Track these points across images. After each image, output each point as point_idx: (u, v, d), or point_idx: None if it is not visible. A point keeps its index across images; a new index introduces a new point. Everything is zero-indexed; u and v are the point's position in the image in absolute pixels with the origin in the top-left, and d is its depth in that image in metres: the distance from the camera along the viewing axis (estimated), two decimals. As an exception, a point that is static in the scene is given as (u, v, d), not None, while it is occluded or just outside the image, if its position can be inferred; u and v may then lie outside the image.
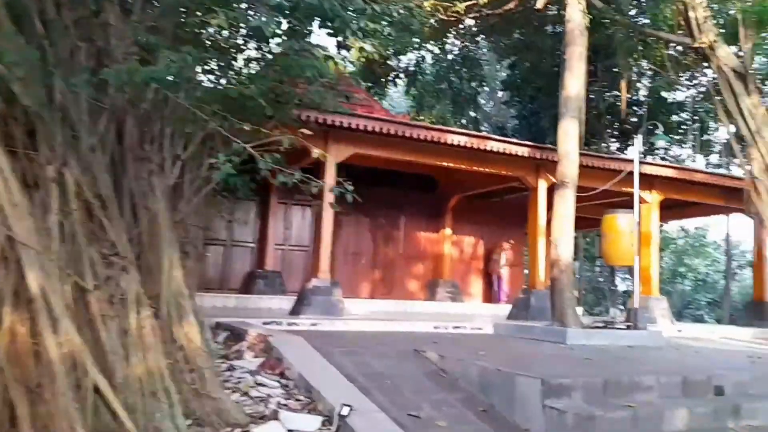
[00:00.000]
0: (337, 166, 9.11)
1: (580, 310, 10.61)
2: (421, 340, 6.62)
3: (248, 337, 5.39)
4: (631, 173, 8.99)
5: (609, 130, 20.49)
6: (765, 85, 12.47)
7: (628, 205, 11.83)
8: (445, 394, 4.74)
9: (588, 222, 13.46)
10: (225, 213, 10.78)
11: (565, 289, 7.95)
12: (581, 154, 9.41)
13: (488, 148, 9.42)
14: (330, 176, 8.80)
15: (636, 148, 8.79)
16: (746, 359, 6.42)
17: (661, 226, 27.27)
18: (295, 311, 8.52)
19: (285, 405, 3.82)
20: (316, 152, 5.11)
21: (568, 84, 8.46)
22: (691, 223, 31.71)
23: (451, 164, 9.78)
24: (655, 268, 11.32)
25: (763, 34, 11.29)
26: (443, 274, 13.46)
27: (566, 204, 8.12)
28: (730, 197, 11.56)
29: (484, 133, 9.33)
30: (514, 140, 10.07)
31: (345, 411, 3.48)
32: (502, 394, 4.51)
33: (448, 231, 13.61)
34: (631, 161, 9.21)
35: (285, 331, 6.26)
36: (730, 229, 24.28)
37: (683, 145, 21.71)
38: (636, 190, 8.42)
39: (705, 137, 21.25)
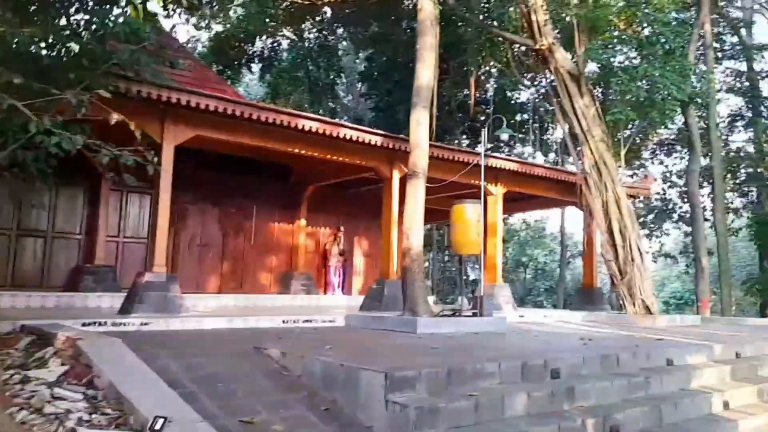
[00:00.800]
0: (178, 149, 8.32)
1: (432, 299, 10.82)
2: (265, 336, 6.18)
3: (56, 341, 4.61)
4: (478, 166, 9.21)
5: (460, 127, 21.29)
6: (596, 88, 13.47)
7: (476, 197, 12.30)
8: (284, 394, 4.36)
9: (441, 214, 13.75)
10: (35, 200, 9.44)
11: (416, 279, 7.93)
12: (432, 146, 9.48)
13: (341, 136, 9.15)
14: (167, 160, 8.02)
15: (483, 142, 9.00)
16: (578, 341, 6.74)
17: (507, 218, 29.16)
18: (124, 310, 7.65)
19: (88, 421, 3.21)
20: (134, 128, 4.43)
21: (420, 74, 8.44)
22: (533, 216, 34.24)
23: (303, 151, 9.39)
24: (500, 257, 11.82)
25: (596, 41, 12.10)
26: (297, 266, 13.06)
27: (417, 194, 8.10)
28: (565, 191, 12.40)
29: (337, 120, 9.02)
30: (367, 129, 9.90)
31: (159, 424, 2.97)
32: (346, 390, 4.23)
33: (302, 222, 13.21)
34: (479, 154, 9.45)
35: (105, 333, 5.49)
36: (565, 221, 26.48)
37: (525, 144, 23.18)
38: (482, 181, 8.62)
39: (545, 137, 22.85)
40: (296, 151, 9.29)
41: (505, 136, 11.00)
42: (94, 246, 10.54)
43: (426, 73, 8.32)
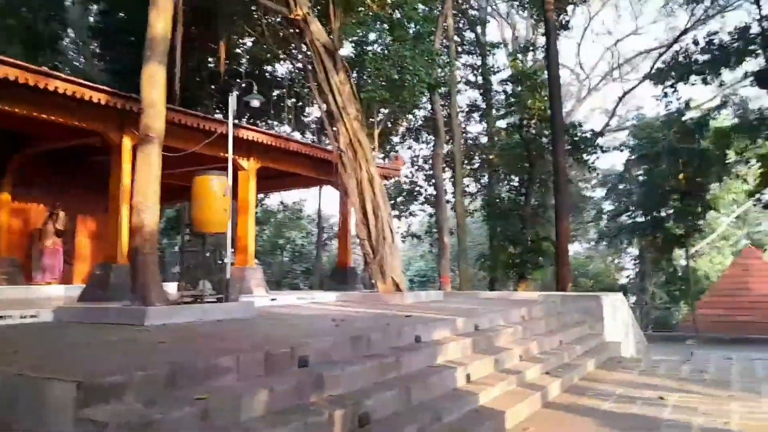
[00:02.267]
0: None
1: (172, 285, 9.60)
2: None
3: None
4: (226, 136, 8.38)
5: (213, 100, 19.93)
6: (353, 70, 13.53)
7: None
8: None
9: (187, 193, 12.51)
10: None
11: (148, 262, 6.83)
12: (172, 110, 8.38)
13: (53, 89, 7.50)
14: None
15: (230, 108, 8.15)
16: (330, 323, 6.42)
17: (263, 198, 28.51)
18: None
19: None
20: None
21: (153, 22, 7.24)
22: (290, 197, 34.20)
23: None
24: (252, 238, 11.14)
25: (351, 18, 12.03)
26: (0, 251, 10.73)
27: (151, 163, 6.97)
28: (322, 170, 12.21)
29: (46, 69, 7.33)
30: (90, 83, 8.31)
31: None
32: (30, 407, 3.19)
33: (6, 197, 10.88)
34: (226, 123, 8.61)
35: None
36: (322, 202, 26.87)
37: (283, 122, 22.75)
38: (230, 151, 7.80)
39: (302, 116, 22.70)
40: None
41: (255, 103, 10.30)
42: None
43: (160, 21, 7.17)
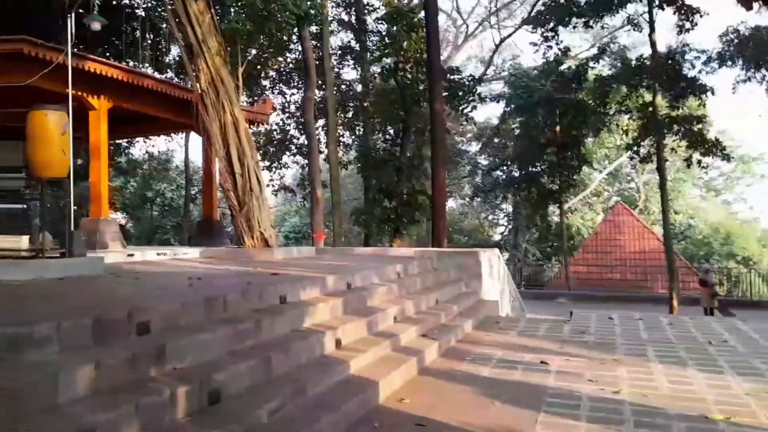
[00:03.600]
0: None
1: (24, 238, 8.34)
2: None
3: None
4: (65, 67, 7.31)
5: (62, 33, 17.67)
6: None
7: (77, 111, 10.18)
8: None
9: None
10: None
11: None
12: None
13: None
14: None
15: (69, 32, 7.07)
16: (186, 282, 5.88)
17: (127, 148, 26.30)
18: None
19: None
20: None
21: None
22: (157, 147, 31.95)
23: None
24: (105, 186, 10.09)
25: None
26: None
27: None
28: (182, 112, 11.22)
29: None
30: None
31: None
32: None
33: None
34: (62, 51, 7.51)
35: None
36: (191, 150, 25.32)
37: (141, 63, 20.81)
38: (69, 86, 6.77)
39: (161, 55, 20.88)
40: None
41: (96, 26, 9.13)
42: None
43: None
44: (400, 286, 7.67)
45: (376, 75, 25.44)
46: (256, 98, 23.10)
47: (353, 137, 27.40)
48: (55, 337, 3.29)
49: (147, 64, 18.74)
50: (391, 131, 26.19)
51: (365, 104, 24.44)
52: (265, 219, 10.80)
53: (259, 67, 21.68)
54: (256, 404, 3.69)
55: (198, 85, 10.77)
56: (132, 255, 9.15)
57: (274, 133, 25.10)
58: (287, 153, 25.84)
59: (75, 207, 6.50)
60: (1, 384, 2.72)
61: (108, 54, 17.73)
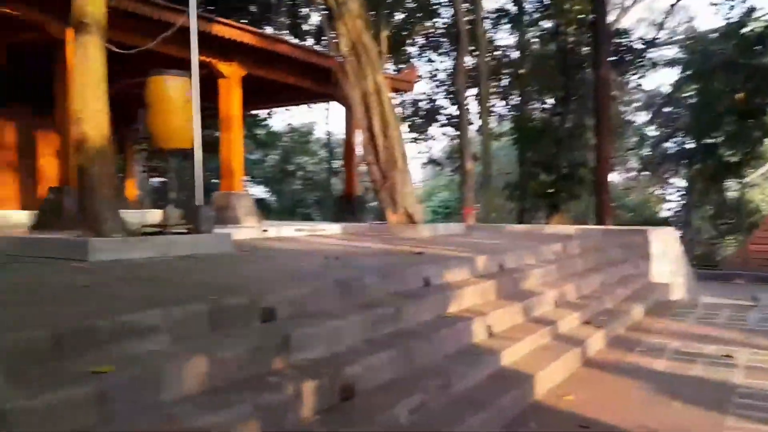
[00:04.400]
0: None
1: (143, 213, 8.66)
2: None
3: None
4: (200, 33, 7.21)
5: None
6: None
7: (205, 80, 10.26)
8: None
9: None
10: None
11: (95, 184, 5.90)
12: None
13: None
14: None
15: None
16: (321, 261, 5.53)
17: (266, 119, 27.29)
18: None
19: None
20: None
21: None
22: (298, 118, 32.98)
23: None
24: (239, 159, 10.11)
25: None
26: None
27: (90, 59, 5.88)
28: (321, 80, 10.98)
29: None
30: None
31: None
32: None
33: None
34: (198, 17, 7.42)
35: None
36: (332, 122, 25.67)
37: (278, 29, 21.15)
38: (193, 46, 6.59)
39: (300, 21, 21.02)
40: None
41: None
42: None
43: None
44: (559, 268, 6.92)
45: (534, 39, 24.12)
46: (401, 66, 22.73)
47: (508, 107, 26.21)
48: (165, 325, 2.96)
49: (285, 31, 18.95)
50: (550, 100, 24.74)
51: (521, 71, 23.22)
52: (409, 194, 10.34)
53: (405, 33, 21.23)
54: (394, 401, 3.21)
55: (338, 50, 10.47)
56: (266, 231, 9.09)
57: (421, 103, 24.61)
58: (435, 124, 25.24)
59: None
60: (97, 380, 2.40)
61: (243, 20, 18.13)
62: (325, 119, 24.59)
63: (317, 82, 10.98)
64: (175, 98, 6.03)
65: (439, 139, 26.81)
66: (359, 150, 11.38)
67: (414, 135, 24.53)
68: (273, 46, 9.75)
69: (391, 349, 3.66)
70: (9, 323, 2.66)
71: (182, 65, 6.33)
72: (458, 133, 19.10)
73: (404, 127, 25.68)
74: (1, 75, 10.01)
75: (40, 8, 7.40)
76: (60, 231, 6.91)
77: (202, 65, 9.61)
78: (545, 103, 25.43)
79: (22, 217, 8.86)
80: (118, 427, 2.34)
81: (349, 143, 12.07)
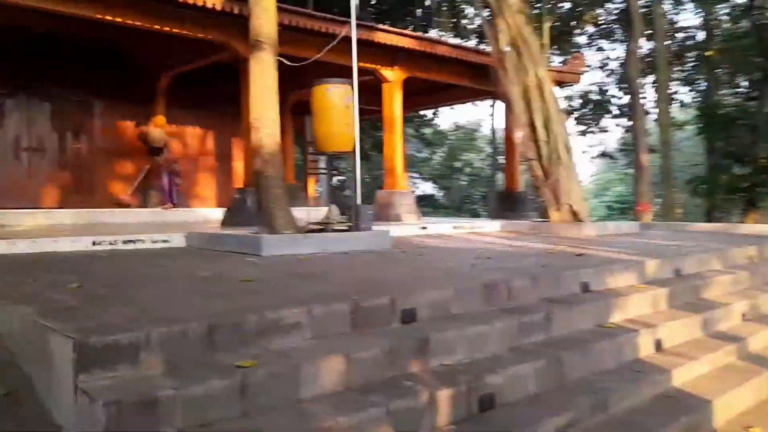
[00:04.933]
0: None
1: (309, 211, 9.11)
2: (37, 265, 4.64)
3: None
4: (364, 42, 7.49)
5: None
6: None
7: (370, 85, 10.56)
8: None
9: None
10: None
11: (270, 186, 6.36)
12: (285, 10, 7.77)
13: None
14: None
15: (352, 4, 7.11)
16: (473, 261, 5.41)
17: (432, 118, 27.50)
18: None
19: None
20: None
21: None
22: (465, 115, 32.90)
23: (108, 17, 7.34)
24: (400, 158, 10.28)
25: None
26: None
27: (264, 73, 6.37)
28: (480, 78, 10.81)
29: None
30: None
31: None
32: (41, 365, 2.71)
33: (160, 119, 11.21)
34: (359, 26, 7.66)
35: None
36: (496, 118, 25.21)
37: (441, 32, 21.07)
38: (354, 54, 6.82)
39: (461, 21, 20.76)
40: (107, 18, 7.30)
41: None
42: None
43: None
44: (753, 274, 6.11)
45: (723, 17, 21.70)
46: (569, 56, 21.67)
47: (692, 93, 23.89)
48: (307, 322, 3.05)
49: (446, 32, 18.83)
50: (744, 84, 22.09)
51: (708, 53, 21.00)
52: (574, 190, 9.82)
53: (573, 22, 20.21)
54: (539, 417, 3.00)
55: (497, 46, 10.22)
56: (425, 228, 9.12)
57: (591, 94, 23.28)
58: (607, 115, 23.77)
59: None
60: (240, 374, 2.52)
61: (408, 24, 18.30)
62: (489, 115, 24.22)
63: (477, 80, 10.86)
64: (337, 105, 6.30)
65: (612, 130, 25.17)
66: (521, 146, 11.02)
67: (582, 128, 23.28)
68: (432, 48, 9.84)
69: (539, 359, 3.45)
70: (172, 313, 2.89)
71: (349, 73, 6.61)
72: (631, 121, 17.77)
73: (571, 120, 24.49)
74: (201, 90, 11.19)
75: (229, 32, 8.14)
76: (243, 227, 7.51)
77: (367, 71, 9.93)
78: (738, 87, 22.74)
79: (218, 215, 9.77)
80: (257, 422, 2.44)
81: (509, 139, 11.77)
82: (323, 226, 6.61)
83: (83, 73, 10.58)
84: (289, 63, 8.15)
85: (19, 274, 4.21)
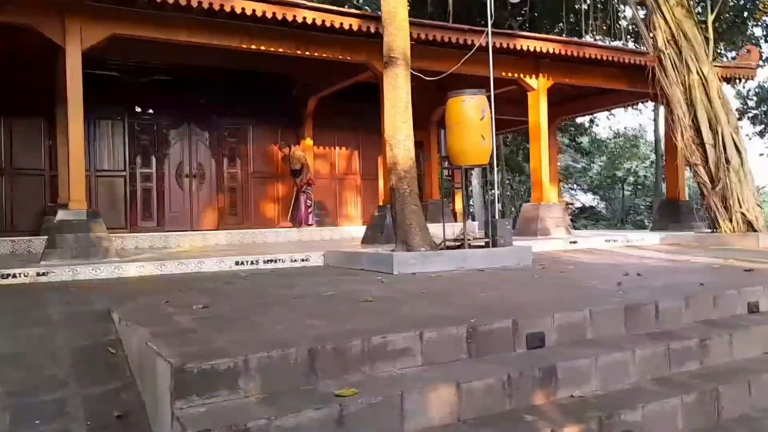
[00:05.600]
0: (139, 66, 6.94)
1: (453, 226, 8.87)
2: (183, 284, 5.02)
3: None
4: (503, 50, 7.19)
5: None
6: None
7: (515, 93, 10.15)
8: (78, 387, 2.94)
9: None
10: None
11: (406, 201, 6.27)
12: (421, 25, 7.66)
13: (300, 20, 7.31)
14: (74, 69, 6.60)
15: (488, 9, 6.85)
16: (620, 278, 4.88)
17: (590, 127, 26.07)
18: (44, 256, 6.48)
19: None
20: None
21: None
22: (624, 123, 30.85)
23: (254, 46, 7.68)
24: (547, 169, 9.72)
25: None
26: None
27: (397, 89, 6.32)
28: (635, 79, 9.95)
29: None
30: (336, 8, 7.96)
31: None
32: (149, 387, 2.77)
33: (308, 141, 11.65)
34: (498, 34, 7.40)
35: None
36: (661, 122, 23.25)
37: (593, 35, 19.76)
38: (490, 62, 6.61)
39: (614, 22, 19.34)
40: (243, 46, 7.63)
41: None
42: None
43: None
44: None
45: None
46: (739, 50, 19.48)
47: None
48: (418, 348, 2.84)
49: (599, 36, 17.61)
50: None
51: None
52: (747, 197, 8.73)
53: (746, 13, 18.20)
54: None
55: (654, 45, 9.39)
56: (574, 242, 8.50)
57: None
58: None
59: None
60: (338, 403, 2.38)
61: (560, 32, 17.43)
62: (652, 119, 22.46)
63: (635, 82, 9.99)
64: (471, 117, 6.06)
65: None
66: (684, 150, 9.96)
67: (760, 128, 20.77)
68: (580, 51, 9.14)
69: (689, 392, 2.97)
70: (282, 336, 2.82)
71: (497, 83, 6.36)
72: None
73: (744, 120, 22.00)
74: (346, 111, 11.51)
75: (367, 52, 8.25)
76: (383, 245, 7.51)
77: (509, 81, 9.56)
78: None
79: (362, 232, 9.92)
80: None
81: (670, 143, 10.70)
82: (460, 242, 6.38)
83: (238, 102, 11.30)
84: (426, 78, 8.08)
85: (158, 294, 4.43)
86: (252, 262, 6.56)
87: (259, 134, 11.76)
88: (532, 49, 8.78)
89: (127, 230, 10.41)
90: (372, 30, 7.66)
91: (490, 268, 5.83)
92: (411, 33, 7.53)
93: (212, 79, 10.89)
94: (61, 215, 6.57)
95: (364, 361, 2.71)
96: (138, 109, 10.86)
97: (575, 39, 12.84)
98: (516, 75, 9.46)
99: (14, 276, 5.60)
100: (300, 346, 2.59)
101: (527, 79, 9.48)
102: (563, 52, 8.96)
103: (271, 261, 6.64)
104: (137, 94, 10.75)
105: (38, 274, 5.68)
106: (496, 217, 6.49)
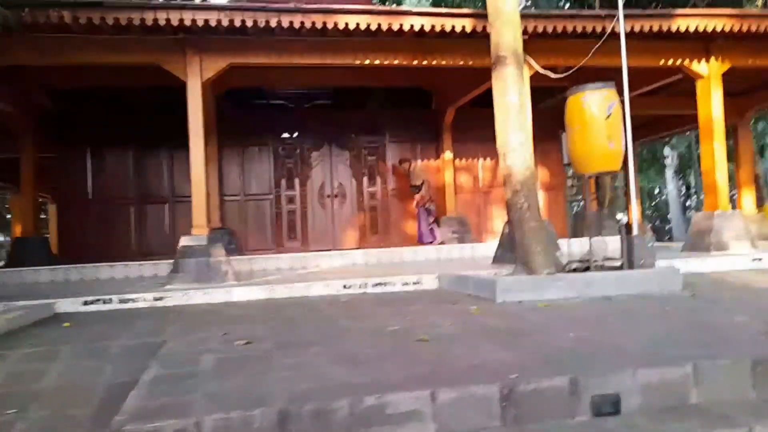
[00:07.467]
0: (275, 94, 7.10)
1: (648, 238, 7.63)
2: (282, 311, 4.76)
3: None
4: (661, 35, 6.06)
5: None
6: None
7: (683, 84, 8.79)
8: (91, 426, 2.75)
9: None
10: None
11: (524, 218, 5.54)
12: (534, 16, 6.82)
13: (406, 28, 6.79)
14: (195, 101, 6.80)
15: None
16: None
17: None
18: (168, 280, 6.72)
19: None
20: None
21: None
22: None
23: (368, 61, 7.30)
24: (723, 172, 8.10)
25: None
26: (446, 210, 11.04)
27: (508, 90, 5.60)
28: None
29: (395, 7, 6.71)
30: (444, 11, 7.27)
31: None
32: None
33: (448, 155, 11.12)
34: (643, 16, 6.26)
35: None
36: None
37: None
38: (623, 48, 5.56)
39: None
40: (356, 62, 7.32)
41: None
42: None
43: None
44: None
45: None
46: None
47: None
48: (430, 411, 2.23)
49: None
50: None
51: None
52: None
53: None
54: None
55: None
56: (759, 260, 6.95)
57: None
58: None
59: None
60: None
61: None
62: None
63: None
64: (595, 115, 5.13)
65: None
66: None
67: None
68: (760, 24, 7.37)
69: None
70: (264, 389, 2.38)
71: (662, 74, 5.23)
72: None
73: None
74: (486, 120, 10.87)
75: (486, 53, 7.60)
76: (511, 264, 6.74)
77: (671, 70, 8.23)
78: None
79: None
80: None
81: None
82: (587, 264, 5.46)
83: (377, 119, 11.18)
84: (553, 75, 7.18)
85: (235, 324, 4.21)
86: (360, 286, 6.19)
87: (397, 151, 11.50)
88: (692, 29, 7.31)
89: (274, 250, 10.70)
90: (489, 30, 6.97)
91: (622, 294, 4.85)
92: (526, 27, 6.76)
93: (350, 99, 10.89)
94: (183, 241, 6.76)
95: (357, 427, 2.17)
96: (285, 135, 11.19)
97: (753, 11, 10.77)
98: (679, 62, 8.02)
99: (133, 301, 5.79)
100: (267, 407, 2.13)
101: (693, 66, 7.94)
102: (739, 28, 7.32)
103: (380, 284, 6.21)
104: (282, 120, 11.13)
105: (155, 299, 5.82)
106: (635, 232, 5.42)
